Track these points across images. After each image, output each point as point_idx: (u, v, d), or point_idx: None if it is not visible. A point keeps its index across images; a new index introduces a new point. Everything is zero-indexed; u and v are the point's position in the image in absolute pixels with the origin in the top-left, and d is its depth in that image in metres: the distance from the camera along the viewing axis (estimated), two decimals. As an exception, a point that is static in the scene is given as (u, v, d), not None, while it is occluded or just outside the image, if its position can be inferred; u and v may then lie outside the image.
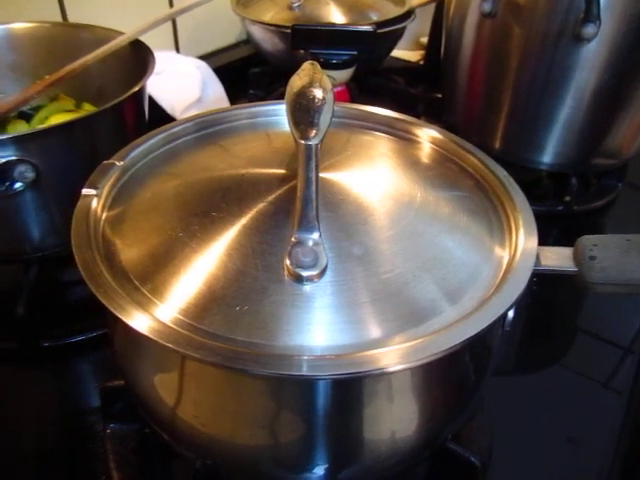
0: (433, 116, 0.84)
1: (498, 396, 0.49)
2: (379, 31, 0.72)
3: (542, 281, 0.58)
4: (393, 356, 0.27)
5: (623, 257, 0.31)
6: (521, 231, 0.33)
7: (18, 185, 0.46)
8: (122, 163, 0.38)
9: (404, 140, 0.43)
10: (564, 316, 0.60)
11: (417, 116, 0.85)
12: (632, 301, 0.59)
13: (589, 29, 0.56)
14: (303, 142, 0.29)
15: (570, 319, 0.60)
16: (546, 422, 0.47)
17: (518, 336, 0.56)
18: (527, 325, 0.58)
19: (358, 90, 0.85)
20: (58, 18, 0.77)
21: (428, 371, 0.31)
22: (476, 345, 0.32)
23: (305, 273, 0.29)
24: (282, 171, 0.35)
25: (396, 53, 1.00)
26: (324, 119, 0.30)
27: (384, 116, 0.45)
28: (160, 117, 0.74)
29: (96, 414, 0.45)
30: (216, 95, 0.85)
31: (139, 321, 0.27)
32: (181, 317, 0.28)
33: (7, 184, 0.45)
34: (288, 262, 0.29)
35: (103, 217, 0.34)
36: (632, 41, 0.57)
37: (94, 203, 0.34)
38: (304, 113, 0.30)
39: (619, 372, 0.53)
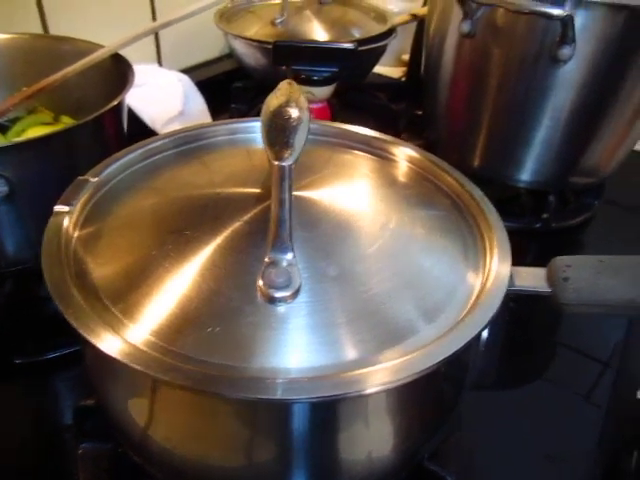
0: (415, 132, 0.85)
1: (478, 413, 0.49)
2: (360, 48, 0.72)
3: (520, 298, 0.59)
4: (369, 378, 0.26)
5: (596, 278, 0.32)
6: (495, 252, 0.33)
7: (-9, 199, 0.45)
8: (97, 179, 0.37)
9: (382, 159, 0.43)
10: (543, 332, 0.61)
11: (399, 132, 0.87)
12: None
13: (565, 51, 0.57)
14: (277, 163, 0.29)
15: (550, 334, 0.60)
16: (525, 438, 0.47)
17: (498, 352, 0.57)
18: (507, 341, 0.58)
19: (340, 106, 0.85)
20: (39, 30, 0.76)
21: (404, 392, 0.30)
22: (451, 365, 0.32)
23: (278, 294, 0.28)
24: (259, 190, 0.35)
25: (378, 69, 1.01)
26: (299, 139, 0.30)
27: (363, 135, 0.45)
28: (141, 130, 0.74)
29: (70, 432, 0.44)
30: (198, 109, 0.85)
31: (108, 343, 0.26)
32: (152, 339, 0.28)
33: (-21, 198, 0.45)
34: (261, 283, 0.29)
35: (75, 235, 0.34)
36: (608, 62, 0.58)
37: (66, 220, 0.34)
38: (279, 133, 0.30)
39: (598, 386, 0.53)
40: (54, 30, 0.78)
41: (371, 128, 0.46)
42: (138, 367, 0.25)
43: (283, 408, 0.28)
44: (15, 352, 0.50)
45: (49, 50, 0.63)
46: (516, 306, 0.60)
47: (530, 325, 0.61)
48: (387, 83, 1.05)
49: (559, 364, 0.56)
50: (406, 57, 1.03)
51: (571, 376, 0.54)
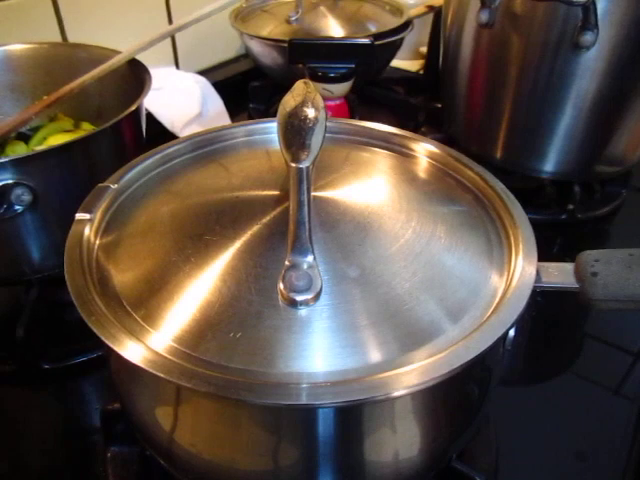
0: (434, 126, 0.84)
1: (505, 409, 0.48)
2: (377, 43, 0.72)
3: (548, 292, 0.58)
4: (395, 381, 0.26)
5: (626, 272, 0.31)
6: (520, 248, 0.33)
7: (17, 208, 0.46)
8: (116, 186, 0.37)
9: (402, 155, 0.43)
10: (571, 324, 0.59)
11: (418, 126, 0.86)
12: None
13: (587, 37, 0.55)
14: (294, 165, 0.29)
15: (578, 327, 0.59)
16: (554, 435, 0.46)
17: (525, 347, 0.56)
18: (534, 335, 0.57)
19: (358, 101, 0.85)
20: (58, 38, 0.77)
21: (430, 393, 0.30)
22: (477, 365, 0.32)
23: (299, 297, 0.28)
24: (277, 192, 0.34)
25: (396, 63, 1.00)
26: (316, 140, 0.30)
27: (381, 131, 0.44)
28: (160, 133, 0.75)
29: (97, 434, 0.45)
30: (216, 110, 0.85)
31: (131, 350, 0.27)
32: (175, 345, 0.28)
33: (5, 207, 0.45)
34: (282, 286, 0.28)
35: (97, 242, 0.34)
36: (631, 47, 0.57)
37: (87, 228, 0.34)
38: (296, 134, 0.29)
39: (629, 379, 0.52)
40: (72, 38, 0.79)
41: (390, 123, 0.45)
42: (161, 374, 0.25)
43: (308, 413, 0.28)
44: (42, 357, 0.51)
45: (68, 58, 0.64)
46: (543, 299, 0.59)
47: (557, 318, 0.59)
48: (405, 77, 1.04)
49: (588, 357, 0.55)
50: (424, 50, 1.02)
51: (600, 369, 0.53)
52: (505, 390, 0.51)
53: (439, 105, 0.83)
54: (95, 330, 0.27)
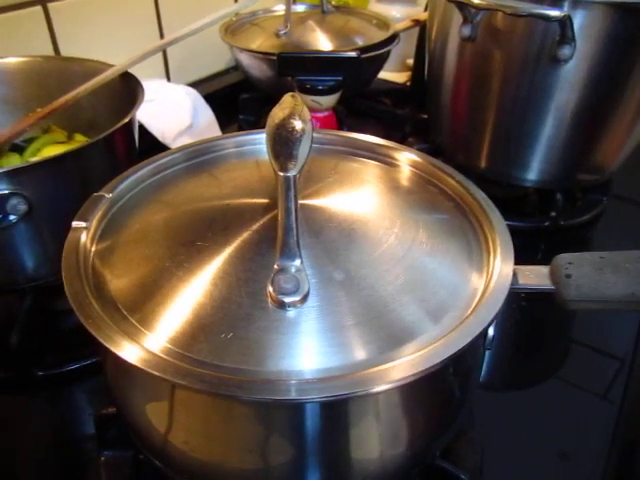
0: (420, 136, 0.86)
1: (491, 412, 0.49)
2: (363, 56, 0.74)
3: (532, 297, 0.59)
4: (378, 377, 0.27)
5: (597, 274, 0.32)
6: (498, 252, 0.34)
7: (11, 218, 0.46)
8: (111, 195, 0.39)
9: (387, 165, 0.44)
10: (557, 330, 0.61)
11: (405, 137, 0.88)
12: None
13: (565, 50, 0.57)
14: (282, 174, 0.30)
15: (564, 333, 0.60)
16: (539, 437, 0.47)
17: (511, 352, 0.57)
18: (520, 340, 0.58)
19: (346, 113, 0.87)
20: (50, 52, 0.79)
21: (413, 389, 0.31)
22: (458, 362, 0.33)
23: (287, 299, 0.30)
24: (266, 200, 0.36)
25: (383, 75, 1.02)
26: (303, 150, 0.31)
27: (367, 142, 0.46)
28: (152, 145, 0.76)
29: (91, 441, 0.45)
30: (207, 121, 0.87)
31: (127, 350, 0.28)
32: (169, 346, 0.29)
33: (0, 217, 0.46)
34: (271, 289, 0.30)
35: (93, 249, 0.35)
36: (608, 60, 0.59)
37: (84, 235, 0.35)
38: (283, 145, 0.31)
39: (616, 384, 0.53)
40: (65, 52, 0.80)
41: (377, 133, 0.47)
42: (156, 373, 0.27)
43: (296, 408, 0.29)
44: (36, 364, 0.52)
45: (61, 71, 0.65)
46: (528, 305, 0.60)
47: (543, 324, 0.61)
48: (392, 88, 1.06)
49: (574, 362, 0.56)
50: (411, 62, 1.04)
51: (587, 374, 0.54)
52: (491, 394, 0.52)
53: (425, 116, 0.85)
54: (93, 332, 0.28)
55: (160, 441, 0.33)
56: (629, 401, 0.51)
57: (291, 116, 0.33)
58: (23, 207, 0.46)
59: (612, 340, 0.58)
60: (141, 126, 0.76)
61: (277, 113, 0.34)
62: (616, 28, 0.56)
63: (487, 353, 0.40)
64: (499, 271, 0.33)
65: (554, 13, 0.54)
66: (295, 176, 0.30)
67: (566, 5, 0.55)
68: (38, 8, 0.76)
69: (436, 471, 0.39)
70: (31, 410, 0.51)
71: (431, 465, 0.39)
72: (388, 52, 0.90)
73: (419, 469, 0.38)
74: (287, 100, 0.35)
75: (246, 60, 0.88)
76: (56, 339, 0.56)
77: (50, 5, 0.76)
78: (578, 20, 0.56)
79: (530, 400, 0.52)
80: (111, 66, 0.60)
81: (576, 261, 0.33)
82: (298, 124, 0.32)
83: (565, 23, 0.55)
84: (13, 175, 0.45)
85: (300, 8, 0.99)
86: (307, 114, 0.33)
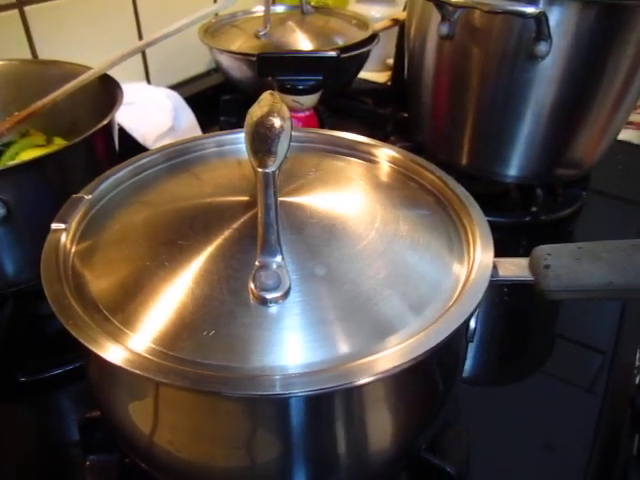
0: (402, 135, 0.86)
1: (477, 406, 0.50)
2: (343, 56, 0.74)
3: (515, 291, 0.60)
4: (361, 370, 0.28)
5: (575, 264, 0.33)
6: (478, 245, 0.35)
7: (-12, 222, 0.46)
8: (90, 196, 0.39)
9: (368, 162, 0.44)
10: (541, 324, 0.61)
11: (386, 135, 0.88)
12: (609, 304, 0.61)
13: (542, 47, 0.58)
14: (261, 170, 0.30)
15: (548, 327, 0.61)
16: (524, 430, 0.48)
17: (497, 345, 0.58)
18: (504, 335, 0.59)
19: (328, 112, 0.87)
20: (28, 55, 0.78)
21: (397, 382, 0.32)
22: (441, 354, 0.33)
23: (269, 295, 0.30)
24: (246, 198, 0.36)
25: (364, 75, 1.03)
26: (282, 147, 0.31)
27: (348, 140, 0.46)
28: (132, 148, 0.75)
29: (76, 447, 0.45)
30: (188, 123, 0.86)
31: (109, 351, 0.28)
32: (152, 345, 0.29)
33: (-22, 221, 0.46)
34: (252, 286, 0.30)
35: (72, 250, 0.35)
36: (584, 56, 0.60)
37: (63, 237, 0.35)
38: (262, 142, 0.31)
39: (600, 376, 0.53)
40: (43, 55, 0.79)
41: (359, 133, 0.47)
42: (139, 372, 0.27)
43: (281, 403, 0.29)
44: (18, 370, 0.51)
45: (39, 74, 0.64)
46: (511, 300, 0.61)
47: (527, 318, 0.62)
48: (373, 88, 1.07)
49: (558, 356, 0.56)
50: (391, 61, 1.04)
51: (571, 367, 0.55)
52: (477, 388, 0.52)
53: (406, 115, 0.86)
54: (74, 334, 0.28)
55: (145, 442, 0.33)
56: (611, 391, 0.51)
57: (270, 113, 0.33)
58: (1, 211, 0.46)
59: (595, 334, 0.58)
60: (121, 129, 0.75)
61: (256, 111, 0.34)
62: (591, 24, 0.57)
63: (471, 347, 0.40)
64: (479, 263, 0.33)
65: (530, 10, 0.55)
66: (274, 172, 0.30)
67: (542, 2, 0.56)
68: (15, 11, 0.75)
69: (422, 464, 0.39)
70: (14, 416, 0.50)
71: (417, 458, 0.39)
72: (368, 52, 0.91)
73: (405, 462, 0.39)
74: (266, 98, 0.35)
75: (226, 61, 0.88)
76: (38, 344, 0.55)
77: (27, 8, 0.76)
78: (554, 17, 0.57)
79: (515, 393, 0.52)
80: (89, 69, 0.60)
81: (555, 252, 0.34)
82: (277, 121, 0.32)
83: (541, 20, 0.56)
84: (-9, 179, 0.45)
85: (280, 9, 0.99)
86: (286, 111, 0.33)
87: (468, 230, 0.36)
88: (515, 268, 0.35)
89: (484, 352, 0.56)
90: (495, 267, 0.34)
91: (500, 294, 0.61)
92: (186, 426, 0.31)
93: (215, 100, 0.94)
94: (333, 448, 0.32)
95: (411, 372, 0.30)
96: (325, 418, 0.31)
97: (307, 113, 0.77)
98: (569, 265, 0.33)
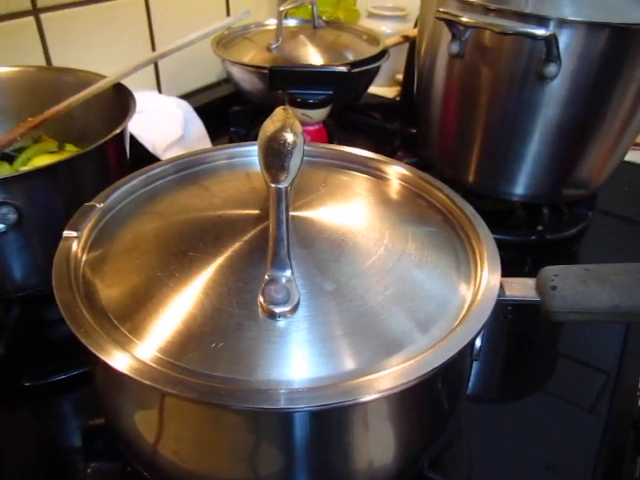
0: (410, 150, 0.87)
1: (479, 424, 0.49)
2: (354, 71, 0.75)
3: (519, 310, 0.60)
4: (366, 387, 0.28)
5: (582, 286, 0.33)
6: (485, 264, 0.35)
7: (0, 227, 0.46)
8: (102, 205, 0.39)
9: (376, 178, 0.45)
10: (544, 343, 0.61)
11: (394, 151, 0.89)
12: (613, 324, 0.60)
13: (551, 68, 0.59)
14: (274, 185, 0.30)
15: (550, 346, 0.61)
16: (526, 449, 0.48)
17: (499, 365, 0.58)
18: (507, 353, 0.59)
19: (336, 126, 0.87)
20: (43, 62, 0.79)
21: (401, 399, 0.32)
22: (446, 372, 0.33)
23: (278, 309, 0.30)
24: (257, 211, 0.36)
25: (373, 89, 1.03)
26: (294, 162, 0.31)
27: (357, 155, 0.46)
28: (142, 156, 0.76)
29: (79, 453, 0.45)
30: (197, 133, 0.87)
31: (118, 360, 0.28)
32: (159, 355, 0.29)
33: (-11, 226, 0.46)
34: (262, 299, 0.30)
35: (83, 258, 0.35)
36: (593, 78, 0.60)
37: (75, 245, 0.35)
38: (275, 157, 0.31)
39: (602, 396, 0.53)
40: (57, 62, 0.80)
41: (367, 147, 0.47)
42: (147, 382, 0.27)
43: (285, 418, 0.29)
44: (23, 375, 0.51)
45: (53, 81, 0.65)
46: (515, 318, 0.61)
47: (530, 337, 0.62)
48: (382, 103, 1.07)
49: (561, 375, 0.56)
50: (400, 77, 1.05)
51: (573, 387, 0.55)
52: (479, 406, 0.52)
53: (414, 130, 0.86)
54: (84, 342, 0.28)
55: (149, 451, 0.33)
56: (614, 413, 0.51)
57: (283, 129, 0.33)
58: (13, 216, 0.46)
59: (598, 353, 0.58)
60: (131, 137, 0.76)
61: (269, 126, 0.34)
62: (601, 47, 0.58)
63: (475, 365, 0.40)
64: (486, 282, 0.33)
65: (540, 32, 0.55)
66: (287, 188, 0.30)
67: (552, 24, 0.57)
68: (30, 19, 0.76)
69: (424, 482, 0.39)
70: (17, 421, 0.50)
71: (420, 476, 0.39)
72: (378, 67, 0.91)
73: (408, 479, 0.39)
74: (279, 113, 0.35)
75: (238, 73, 0.89)
76: (43, 349, 0.55)
77: (43, 16, 0.77)
78: (564, 39, 0.57)
79: (517, 412, 0.52)
80: (103, 77, 0.61)
81: (561, 273, 0.34)
82: (290, 137, 0.32)
83: (551, 42, 0.56)
84: (3, 184, 0.45)
85: (292, 23, 1.00)
86: (298, 127, 0.34)
87: (476, 249, 0.37)
88: (521, 288, 0.35)
89: (487, 369, 0.56)
90: (501, 287, 0.34)
91: (504, 312, 0.61)
92: (191, 437, 0.31)
93: (225, 111, 0.94)
94: (336, 464, 0.32)
95: (416, 390, 0.30)
96: (329, 434, 0.31)
97: (316, 127, 0.78)
98: (576, 287, 0.33)
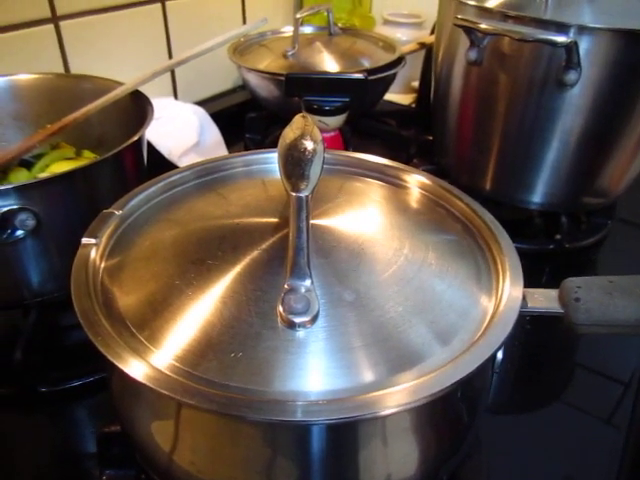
0: (425, 158, 0.86)
1: (497, 436, 0.49)
2: (370, 78, 0.75)
3: (537, 320, 0.59)
4: (385, 400, 0.27)
5: (606, 298, 0.32)
6: (507, 275, 0.34)
7: (19, 233, 0.47)
8: (121, 212, 0.39)
9: (395, 186, 0.44)
10: (562, 354, 0.60)
11: (410, 158, 0.89)
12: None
13: (571, 76, 0.58)
14: (294, 194, 0.30)
15: (568, 356, 0.60)
16: (544, 461, 0.47)
17: (517, 375, 0.57)
18: (525, 364, 0.58)
19: (352, 133, 0.87)
20: (61, 69, 0.80)
21: (420, 413, 0.31)
22: (466, 386, 0.33)
23: (297, 319, 0.30)
24: (275, 219, 0.36)
25: (389, 96, 1.03)
26: (314, 171, 0.31)
27: (375, 163, 0.46)
28: (158, 162, 0.76)
29: (93, 460, 0.45)
30: (213, 139, 0.87)
31: (135, 368, 0.28)
32: (177, 364, 0.29)
33: (8, 232, 0.46)
34: (281, 309, 0.30)
35: (102, 266, 0.35)
36: (613, 86, 0.59)
37: (93, 252, 0.35)
38: (295, 165, 0.31)
39: (620, 408, 0.52)
40: (75, 69, 0.81)
41: (383, 154, 0.47)
42: (164, 391, 0.27)
43: (302, 430, 0.29)
44: (39, 381, 0.51)
45: (71, 89, 0.66)
46: (533, 328, 0.60)
47: (548, 347, 0.61)
48: (398, 110, 1.07)
49: (579, 386, 0.55)
50: (416, 84, 1.05)
51: (591, 398, 0.54)
52: (496, 417, 0.51)
53: (430, 138, 0.86)
54: (101, 350, 0.28)
55: (165, 461, 0.33)
56: (635, 426, 0.50)
57: (302, 137, 0.33)
58: (31, 222, 0.47)
59: (616, 364, 0.57)
60: (148, 143, 0.76)
61: (288, 134, 0.34)
62: (621, 54, 0.57)
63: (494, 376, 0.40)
64: (508, 294, 0.33)
65: (560, 39, 0.55)
66: (307, 196, 0.30)
67: (572, 31, 0.56)
68: (50, 26, 0.77)
69: (443, 495, 0.39)
70: (33, 427, 0.50)
71: (438, 489, 0.38)
72: (394, 74, 0.91)
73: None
74: (298, 121, 0.35)
75: (254, 80, 0.89)
76: (60, 355, 0.55)
77: (62, 23, 0.78)
78: (584, 46, 0.57)
79: (535, 424, 0.51)
80: (121, 84, 0.61)
81: (585, 285, 0.33)
82: (309, 144, 0.32)
83: (571, 49, 0.55)
84: (22, 190, 0.46)
85: (308, 30, 1.01)
86: (318, 135, 0.34)
87: (497, 259, 0.36)
88: (544, 299, 0.34)
89: (505, 380, 0.55)
90: (524, 298, 0.33)
91: (521, 322, 0.60)
92: (208, 447, 0.31)
93: (241, 117, 0.95)
94: (353, 477, 0.32)
95: (436, 403, 0.30)
96: (346, 447, 0.30)
97: (332, 134, 0.77)
98: (600, 299, 0.32)
